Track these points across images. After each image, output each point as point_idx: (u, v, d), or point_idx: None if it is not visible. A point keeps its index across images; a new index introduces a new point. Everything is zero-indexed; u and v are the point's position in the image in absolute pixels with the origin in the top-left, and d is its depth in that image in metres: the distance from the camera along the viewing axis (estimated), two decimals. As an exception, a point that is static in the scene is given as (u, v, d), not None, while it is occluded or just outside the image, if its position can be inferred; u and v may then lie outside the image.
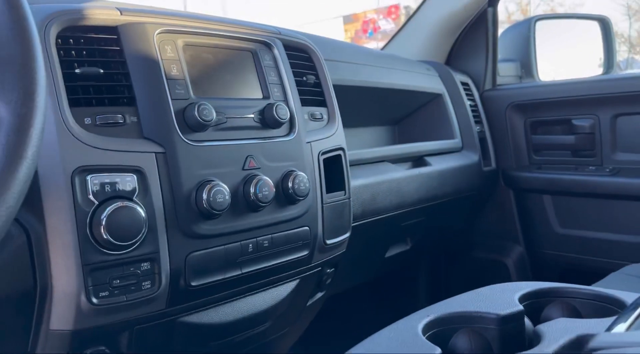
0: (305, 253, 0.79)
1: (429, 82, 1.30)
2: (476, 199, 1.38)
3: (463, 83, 1.38)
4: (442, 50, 1.45)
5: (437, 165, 1.19)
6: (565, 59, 1.67)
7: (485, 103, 1.42)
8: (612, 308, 0.58)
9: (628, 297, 0.58)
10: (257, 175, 0.70)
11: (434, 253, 1.52)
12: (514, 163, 1.41)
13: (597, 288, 0.61)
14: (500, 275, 1.42)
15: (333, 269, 0.90)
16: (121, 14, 0.65)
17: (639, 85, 1.20)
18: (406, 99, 1.28)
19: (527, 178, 1.38)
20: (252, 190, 0.68)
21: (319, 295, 0.92)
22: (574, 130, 1.31)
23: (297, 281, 0.83)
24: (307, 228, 0.79)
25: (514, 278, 1.40)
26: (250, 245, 0.71)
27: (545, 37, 1.52)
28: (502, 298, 0.59)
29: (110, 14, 0.64)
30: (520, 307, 0.57)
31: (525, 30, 1.51)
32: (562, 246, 1.33)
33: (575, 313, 0.61)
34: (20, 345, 0.60)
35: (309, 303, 0.91)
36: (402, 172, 1.09)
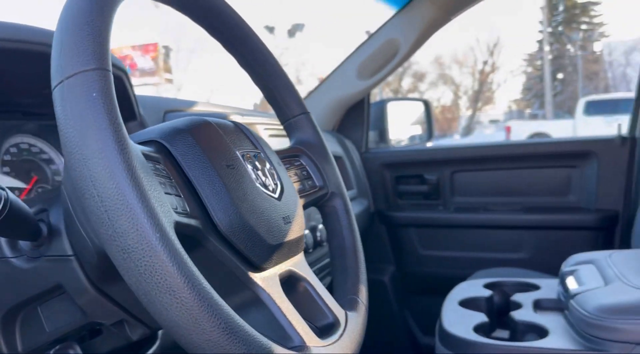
0: (326, 279, 1.14)
1: (335, 148, 1.74)
2: (363, 233, 1.85)
3: (351, 147, 1.86)
4: (333, 121, 1.91)
5: (356, 209, 1.62)
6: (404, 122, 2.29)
7: (364, 161, 1.92)
8: (528, 288, 1.09)
9: (536, 281, 1.09)
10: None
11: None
12: (385, 206, 1.92)
13: (519, 279, 1.11)
14: (379, 290, 1.91)
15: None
16: (242, 117, 0.93)
17: (466, 152, 1.84)
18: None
19: (395, 216, 1.90)
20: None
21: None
22: (425, 182, 1.89)
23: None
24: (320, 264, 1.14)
25: (390, 290, 1.90)
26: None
27: (392, 112, 2.10)
28: (479, 289, 1.05)
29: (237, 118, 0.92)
30: (491, 292, 1.04)
31: (381, 108, 2.07)
32: (424, 263, 1.88)
33: (507, 294, 1.10)
34: None
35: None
36: (343, 217, 1.49)
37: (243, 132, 0.58)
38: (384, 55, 1.77)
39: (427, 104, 2.23)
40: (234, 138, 0.54)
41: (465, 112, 26.20)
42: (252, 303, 0.48)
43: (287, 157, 0.67)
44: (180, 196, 0.44)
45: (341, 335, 0.54)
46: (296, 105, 0.70)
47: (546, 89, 24.08)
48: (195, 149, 0.48)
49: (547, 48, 24.92)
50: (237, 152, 0.52)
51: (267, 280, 0.50)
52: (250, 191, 0.51)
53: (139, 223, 0.37)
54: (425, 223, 1.87)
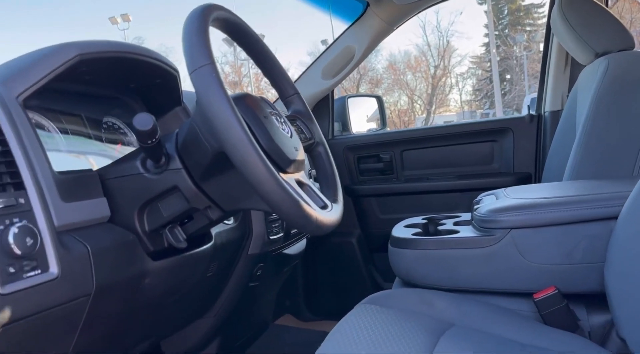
0: None
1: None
2: (334, 203, 2.29)
3: (320, 134, 2.29)
4: (303, 114, 2.34)
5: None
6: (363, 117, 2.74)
7: (331, 147, 2.35)
8: (452, 217, 1.53)
9: (459, 214, 1.54)
10: None
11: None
12: (350, 182, 2.36)
13: (444, 214, 1.56)
14: (348, 249, 2.34)
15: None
16: None
17: (412, 134, 2.30)
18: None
19: (358, 189, 2.34)
20: None
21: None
22: (381, 160, 2.35)
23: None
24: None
25: (357, 249, 2.33)
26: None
27: (353, 106, 2.55)
28: (418, 220, 1.50)
29: None
30: (426, 221, 1.48)
31: (342, 103, 2.51)
32: (383, 225, 2.32)
33: (437, 222, 1.54)
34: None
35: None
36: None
37: (266, 102, 1.00)
38: (342, 59, 2.22)
39: (379, 99, 2.69)
40: (263, 104, 0.96)
41: (421, 115, 27.13)
42: None
43: (289, 120, 1.09)
44: None
45: (330, 210, 0.97)
46: (290, 88, 1.13)
47: (495, 90, 25.25)
48: (249, 108, 0.90)
49: (494, 50, 26.14)
50: (267, 110, 0.95)
51: (290, 179, 0.92)
52: (277, 130, 0.93)
53: (243, 139, 0.78)
54: (382, 193, 2.32)
